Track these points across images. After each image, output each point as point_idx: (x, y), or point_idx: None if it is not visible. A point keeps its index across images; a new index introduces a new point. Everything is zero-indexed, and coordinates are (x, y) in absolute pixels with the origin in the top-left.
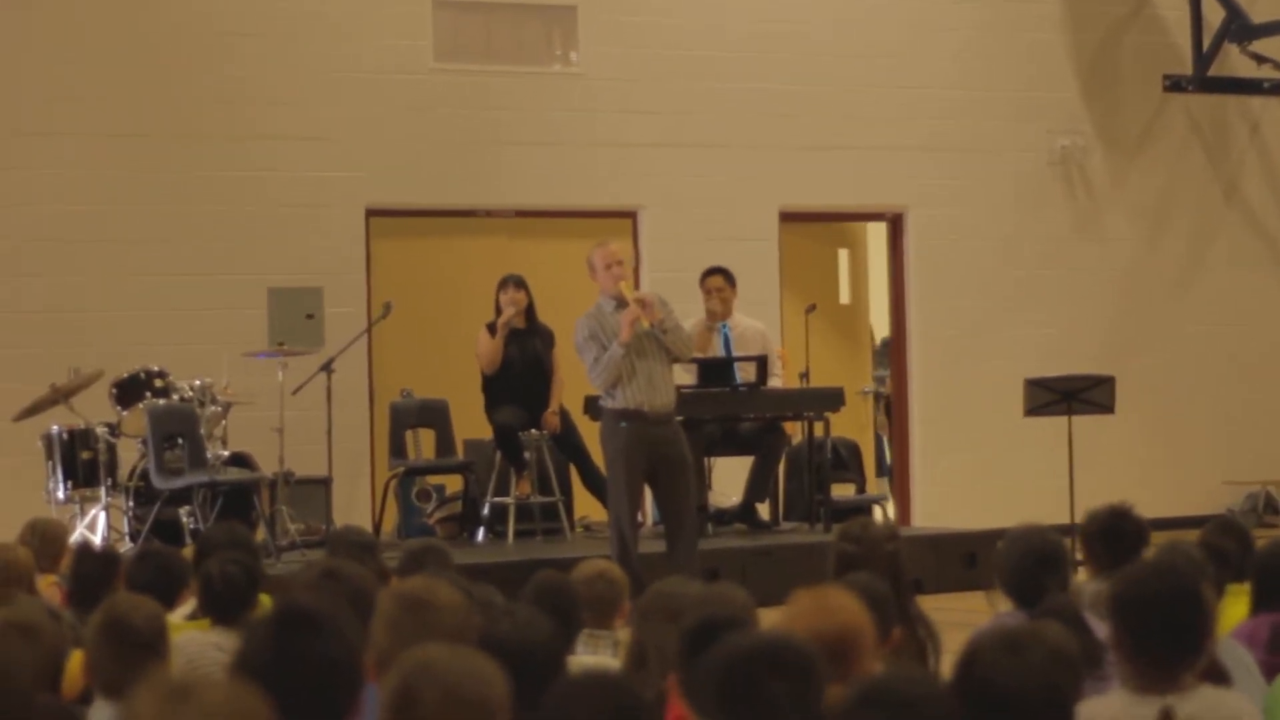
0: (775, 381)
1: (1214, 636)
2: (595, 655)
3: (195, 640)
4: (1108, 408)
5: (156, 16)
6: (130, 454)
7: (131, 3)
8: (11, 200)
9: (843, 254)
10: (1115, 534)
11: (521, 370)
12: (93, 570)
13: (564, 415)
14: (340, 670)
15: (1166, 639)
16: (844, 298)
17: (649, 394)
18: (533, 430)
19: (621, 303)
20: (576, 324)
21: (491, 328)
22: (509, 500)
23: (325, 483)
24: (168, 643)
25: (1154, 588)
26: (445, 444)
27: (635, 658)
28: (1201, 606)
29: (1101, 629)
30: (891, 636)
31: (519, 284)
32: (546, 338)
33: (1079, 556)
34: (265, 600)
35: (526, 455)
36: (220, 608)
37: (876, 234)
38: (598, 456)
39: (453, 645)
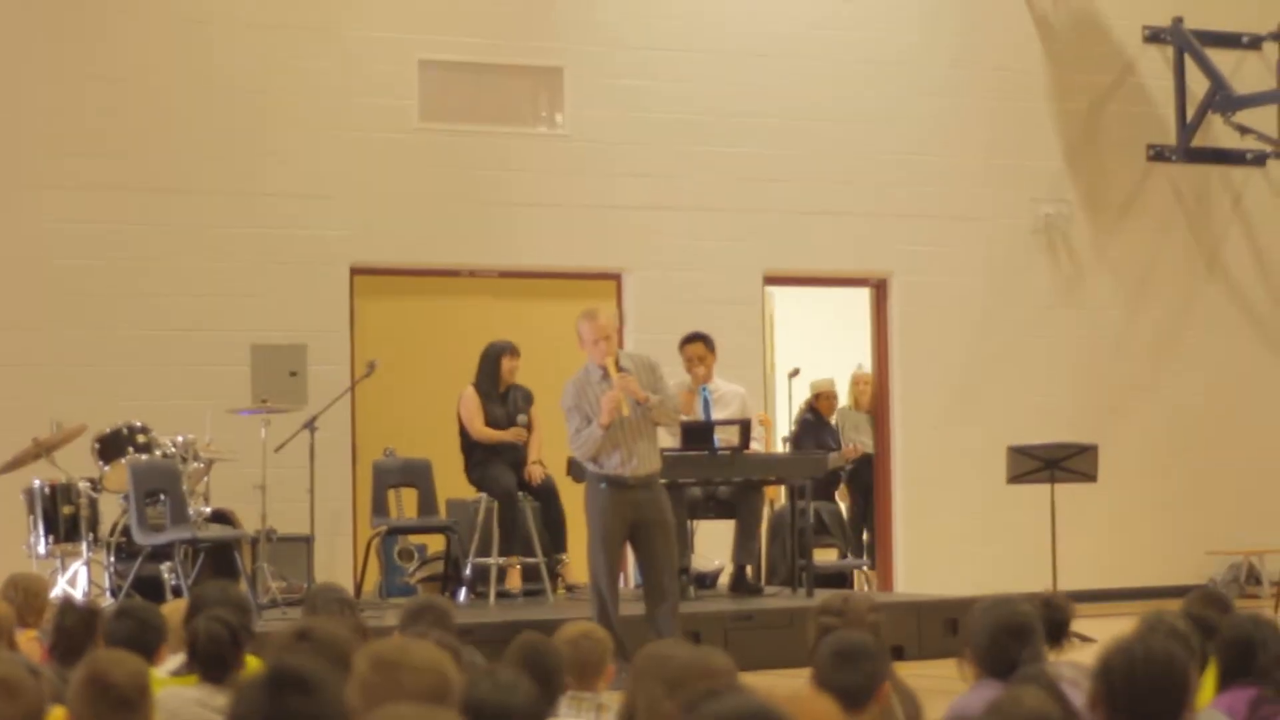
0: (756, 445)
1: (1194, 710)
2: (578, 718)
3: (178, 696)
4: (1090, 476)
5: (145, 75)
6: (112, 509)
7: (122, 60)
8: None
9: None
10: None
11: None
12: (75, 625)
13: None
14: None
15: (1150, 711)
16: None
17: (630, 465)
18: (520, 492)
19: (607, 374)
20: (565, 387)
21: (478, 389)
22: (491, 561)
23: (307, 541)
24: (150, 700)
25: (1141, 661)
26: (428, 503)
27: (626, 717)
28: (1186, 681)
29: (1078, 697)
30: (883, 691)
31: (519, 352)
32: (527, 398)
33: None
34: (252, 661)
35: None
36: (207, 665)
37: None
38: (574, 510)
39: (421, 705)
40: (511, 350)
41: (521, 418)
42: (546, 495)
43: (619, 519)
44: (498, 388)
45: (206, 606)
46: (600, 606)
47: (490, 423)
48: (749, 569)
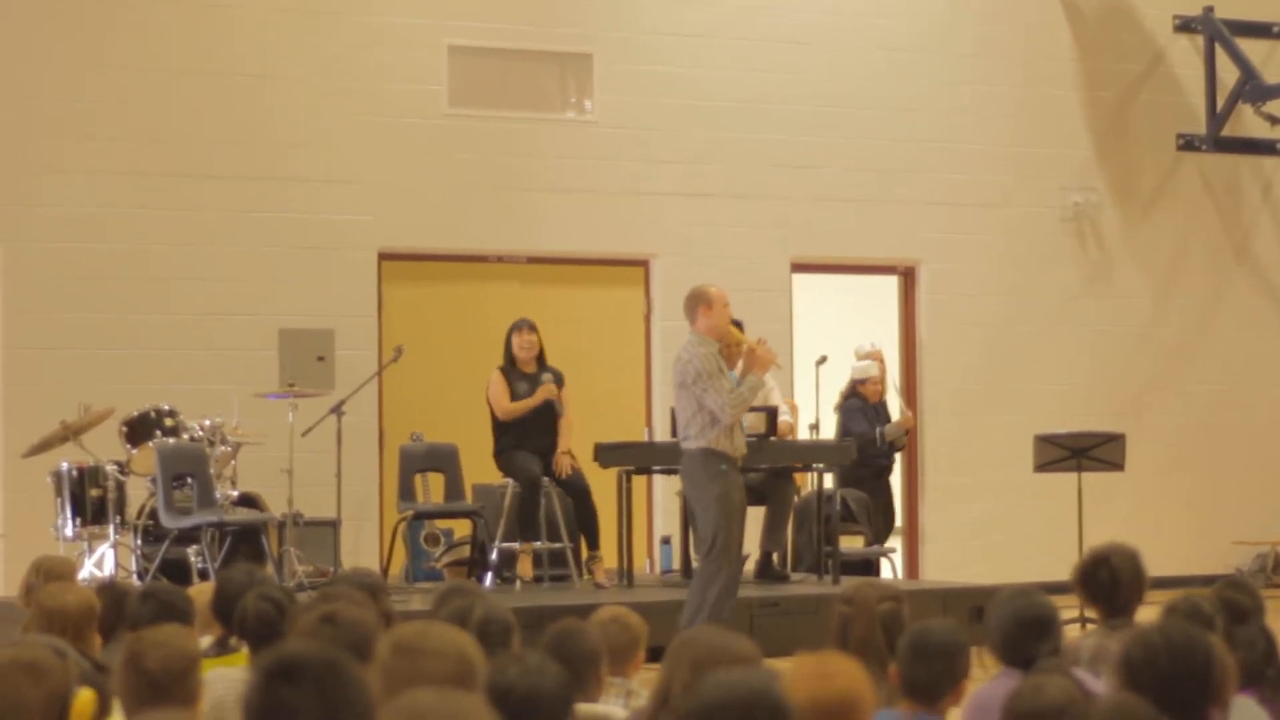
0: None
1: (1225, 701)
2: (605, 703)
3: (224, 676)
4: (1117, 465)
5: (174, 58)
6: (139, 492)
7: (149, 44)
8: (26, 237)
9: None
10: (1107, 582)
11: (535, 415)
12: (108, 606)
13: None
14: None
15: (1176, 699)
16: None
17: (739, 440)
18: (545, 478)
19: (726, 345)
20: (691, 356)
21: (505, 371)
22: (517, 546)
23: (334, 525)
24: (189, 681)
25: (1162, 649)
26: (454, 488)
27: (660, 698)
28: (1210, 666)
29: (1096, 684)
30: (960, 688)
31: (532, 327)
32: (557, 380)
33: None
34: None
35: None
36: (257, 643)
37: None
38: (603, 498)
39: (443, 690)
40: (519, 326)
41: (546, 375)
42: (579, 493)
43: (742, 499)
44: (515, 364)
45: (236, 589)
46: (728, 588)
47: (515, 399)
48: (776, 556)
